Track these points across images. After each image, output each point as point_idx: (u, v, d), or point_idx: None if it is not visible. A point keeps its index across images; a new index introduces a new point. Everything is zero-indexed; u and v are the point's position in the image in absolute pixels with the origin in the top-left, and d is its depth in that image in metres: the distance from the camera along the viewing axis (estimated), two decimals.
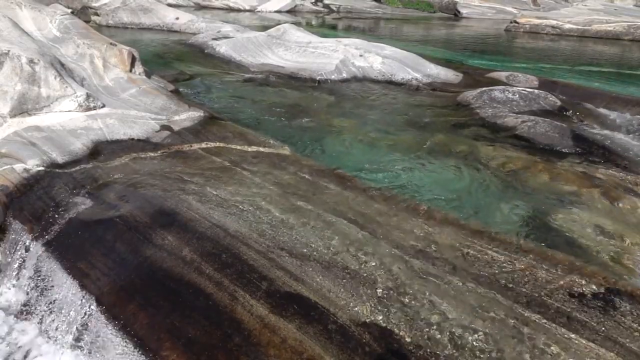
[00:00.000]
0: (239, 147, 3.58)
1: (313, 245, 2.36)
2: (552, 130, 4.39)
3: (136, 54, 4.97)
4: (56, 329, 2.24)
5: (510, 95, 5.30)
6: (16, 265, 2.53)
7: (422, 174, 3.74)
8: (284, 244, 2.37)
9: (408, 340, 1.85)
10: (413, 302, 2.03)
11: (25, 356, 2.25)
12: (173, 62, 7.31)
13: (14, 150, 3.17)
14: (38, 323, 2.33)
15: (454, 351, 1.80)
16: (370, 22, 17.67)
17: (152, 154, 3.35)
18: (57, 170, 3.05)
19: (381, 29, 15.80)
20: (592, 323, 1.93)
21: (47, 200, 2.75)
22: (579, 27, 14.42)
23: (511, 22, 15.73)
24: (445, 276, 2.18)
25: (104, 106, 3.99)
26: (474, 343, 1.83)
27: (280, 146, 3.64)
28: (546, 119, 4.62)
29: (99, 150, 3.37)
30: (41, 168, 3.04)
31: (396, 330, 1.89)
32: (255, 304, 2.00)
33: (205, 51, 7.91)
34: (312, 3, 19.79)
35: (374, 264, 2.24)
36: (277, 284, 2.11)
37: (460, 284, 2.13)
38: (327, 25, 15.97)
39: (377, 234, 2.47)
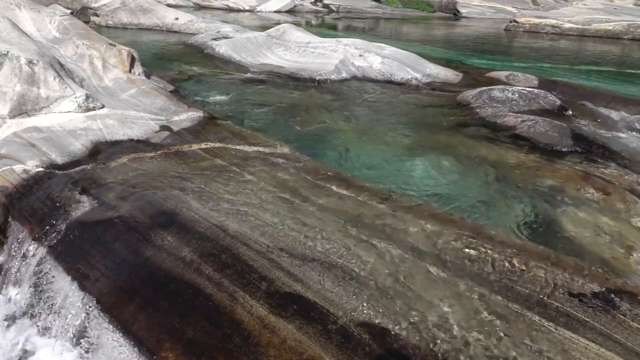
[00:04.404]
0: (238, 148, 3.58)
1: (313, 245, 2.35)
2: (552, 130, 4.39)
3: (135, 55, 4.97)
4: (56, 329, 2.24)
5: (509, 95, 5.30)
6: (16, 266, 2.53)
7: (422, 173, 3.74)
8: (284, 244, 2.36)
9: (408, 340, 1.85)
10: (413, 302, 2.02)
11: (25, 357, 2.25)
12: (172, 62, 7.31)
13: (14, 151, 3.17)
14: (38, 324, 2.33)
15: (454, 352, 1.80)
16: (369, 22, 17.67)
17: (151, 155, 3.35)
18: (56, 171, 3.05)
19: (381, 29, 15.79)
20: (593, 323, 1.93)
21: (46, 201, 2.75)
22: (579, 26, 14.42)
23: (511, 22, 15.74)
24: (446, 276, 2.17)
25: (103, 107, 3.99)
26: (474, 343, 1.83)
27: (280, 146, 3.64)
28: (546, 119, 4.62)
29: (99, 150, 3.37)
30: (41, 169, 3.04)
31: (396, 330, 1.89)
32: (255, 305, 2.00)
33: (205, 51, 7.91)
34: (311, 3, 19.80)
35: (374, 263, 2.24)
36: (277, 284, 2.10)
37: (460, 284, 2.13)
38: (327, 25, 15.97)
39: (377, 232, 2.47)
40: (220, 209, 2.64)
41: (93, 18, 11.25)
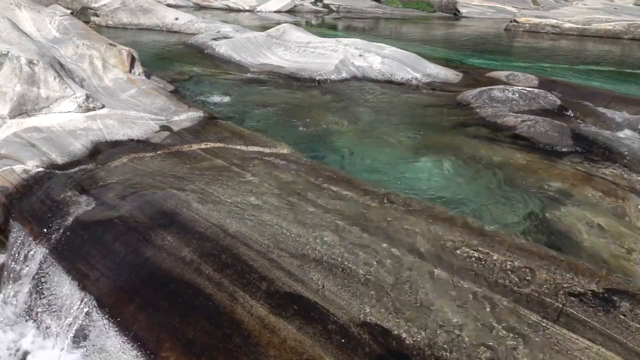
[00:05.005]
0: (238, 148, 3.58)
1: (313, 246, 2.35)
2: (552, 130, 4.39)
3: (135, 55, 4.97)
4: (56, 329, 2.24)
5: (510, 95, 5.29)
6: (16, 266, 2.53)
7: (421, 173, 3.74)
8: (284, 244, 2.36)
9: (408, 340, 1.85)
10: (413, 302, 2.02)
11: (26, 357, 2.25)
12: (172, 62, 7.31)
13: (14, 151, 3.17)
14: (38, 324, 2.33)
15: (454, 352, 1.80)
16: (369, 22, 17.67)
17: (151, 155, 3.35)
18: (56, 171, 3.05)
19: (381, 29, 15.79)
20: (593, 322, 1.93)
21: (46, 201, 2.75)
22: (579, 26, 14.41)
23: (511, 22, 15.73)
24: (445, 277, 2.17)
25: (103, 107, 3.99)
26: (474, 343, 1.83)
27: (280, 146, 3.63)
28: (546, 118, 4.61)
29: (99, 151, 3.37)
30: (41, 169, 3.04)
31: (396, 330, 1.89)
32: (255, 305, 2.00)
33: (205, 51, 7.91)
34: (311, 3, 19.79)
35: (374, 264, 2.24)
36: (277, 284, 2.10)
37: (460, 284, 2.13)
38: (327, 25, 15.97)
39: (377, 233, 2.47)
40: (220, 209, 2.64)
41: (93, 18, 11.25)
